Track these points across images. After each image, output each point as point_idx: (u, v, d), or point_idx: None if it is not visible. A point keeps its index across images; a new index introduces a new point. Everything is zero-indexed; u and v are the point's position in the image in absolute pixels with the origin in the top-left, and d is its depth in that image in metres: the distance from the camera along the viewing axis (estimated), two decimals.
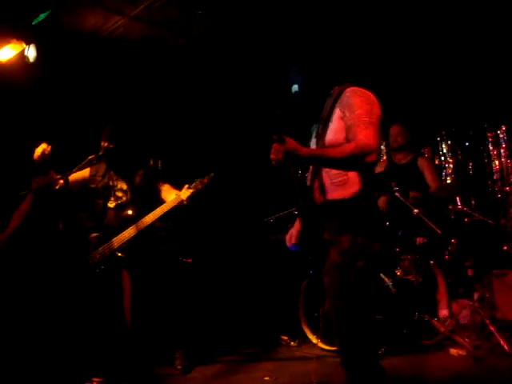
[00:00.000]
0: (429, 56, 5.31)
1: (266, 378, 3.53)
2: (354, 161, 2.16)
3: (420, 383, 3.27)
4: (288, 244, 2.60)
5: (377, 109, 2.29)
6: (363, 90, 2.35)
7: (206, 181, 3.75)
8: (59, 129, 4.58)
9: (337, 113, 2.33)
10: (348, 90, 2.36)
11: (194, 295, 4.85)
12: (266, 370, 3.73)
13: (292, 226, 2.68)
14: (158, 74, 5.24)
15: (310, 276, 2.63)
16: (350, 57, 5.04)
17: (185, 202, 3.67)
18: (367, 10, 4.69)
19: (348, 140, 2.24)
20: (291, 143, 2.13)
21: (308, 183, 2.47)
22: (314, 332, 4.23)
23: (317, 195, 2.38)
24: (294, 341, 4.57)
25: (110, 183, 3.80)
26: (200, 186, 3.73)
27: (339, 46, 4.90)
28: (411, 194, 4.52)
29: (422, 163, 4.79)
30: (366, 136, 2.17)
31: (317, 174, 2.39)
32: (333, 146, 2.26)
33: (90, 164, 3.55)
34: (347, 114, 2.27)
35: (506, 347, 3.76)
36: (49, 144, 3.41)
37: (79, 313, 3.66)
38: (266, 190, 5.79)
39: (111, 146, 3.64)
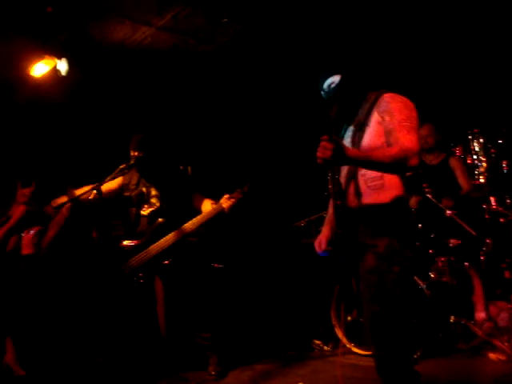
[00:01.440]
0: (460, 53, 5.23)
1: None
2: (397, 164, 2.19)
3: None
4: (317, 250, 2.60)
5: (415, 114, 2.33)
6: (401, 96, 2.39)
7: (246, 189, 3.79)
8: (92, 139, 4.69)
9: (375, 117, 2.36)
10: (386, 95, 2.38)
11: (227, 301, 4.87)
12: (300, 376, 3.71)
13: (321, 232, 2.69)
14: (186, 81, 5.30)
15: (343, 280, 2.62)
16: (380, 57, 5.02)
17: (226, 211, 3.72)
18: (392, 12, 4.65)
19: (388, 144, 2.27)
20: (340, 143, 2.14)
21: (342, 187, 2.47)
22: (347, 336, 4.19)
23: (351, 199, 2.39)
24: (327, 345, 4.54)
25: (144, 190, 3.86)
26: (241, 196, 3.77)
27: (368, 49, 4.90)
28: (444, 201, 4.42)
29: (453, 163, 4.72)
30: (408, 140, 2.21)
31: (352, 178, 2.41)
32: (375, 149, 2.28)
33: (121, 173, 3.62)
34: (387, 119, 2.30)
35: None
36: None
37: (115, 320, 3.72)
38: (295, 195, 5.78)
39: (141, 155, 3.70)
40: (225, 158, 5.57)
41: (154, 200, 3.83)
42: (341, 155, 2.07)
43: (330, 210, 2.70)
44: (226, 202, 3.73)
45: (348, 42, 4.82)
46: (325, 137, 2.08)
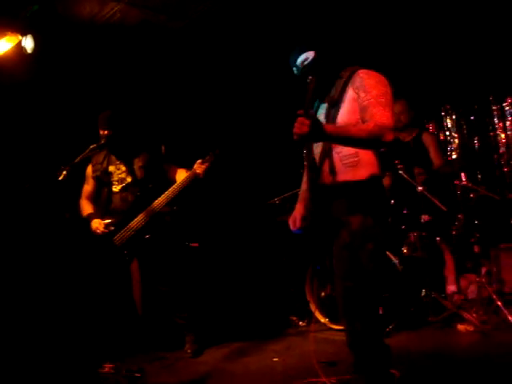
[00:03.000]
0: (432, 28, 5.22)
1: (275, 359, 3.57)
2: (373, 140, 2.19)
3: (428, 360, 3.28)
4: (292, 228, 2.61)
5: (390, 90, 2.33)
6: (375, 72, 2.38)
7: (217, 152, 3.77)
8: (60, 118, 4.59)
9: (349, 94, 2.35)
10: (361, 71, 2.38)
11: (202, 279, 4.89)
12: (275, 352, 3.77)
13: (294, 209, 2.69)
14: (157, 58, 5.20)
15: (316, 256, 2.65)
16: (352, 34, 4.99)
17: (200, 176, 3.69)
18: None
19: (363, 120, 2.27)
20: (317, 119, 2.12)
21: (317, 164, 2.47)
22: (322, 312, 4.25)
23: (326, 176, 2.39)
24: (302, 321, 4.61)
25: (111, 168, 3.81)
26: (213, 158, 3.74)
27: (341, 24, 4.86)
28: (416, 170, 4.50)
29: (426, 139, 4.76)
30: (384, 116, 2.21)
31: (326, 155, 2.40)
32: (351, 125, 2.28)
33: (92, 152, 3.56)
34: (362, 95, 2.30)
35: None
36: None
37: (95, 298, 3.72)
38: (269, 172, 5.77)
39: (110, 133, 3.65)
40: (197, 134, 5.51)
41: (123, 175, 3.79)
42: (318, 131, 2.05)
43: (304, 187, 2.70)
44: (199, 167, 3.71)
45: (321, 17, 4.77)
46: (301, 112, 2.05)
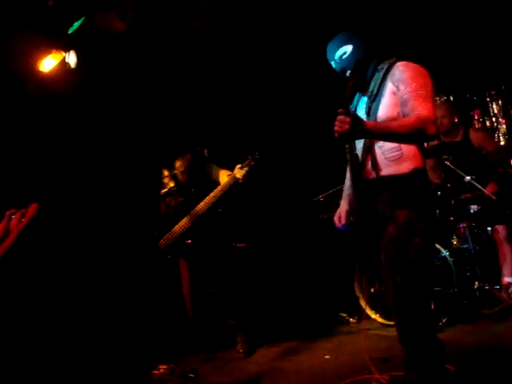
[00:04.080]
0: (473, 12, 5.07)
1: (327, 357, 3.57)
2: (416, 134, 2.16)
3: (483, 354, 3.20)
4: (337, 225, 2.60)
5: (430, 81, 2.29)
6: (414, 64, 2.34)
7: (257, 157, 3.79)
8: (105, 129, 4.72)
9: (389, 87, 2.32)
10: (399, 63, 2.34)
11: (251, 279, 4.93)
12: (327, 349, 3.76)
13: (339, 206, 2.69)
14: (194, 62, 5.27)
15: (364, 252, 2.63)
16: (388, 24, 4.92)
17: (240, 181, 3.72)
18: None
19: (404, 114, 2.24)
20: (357, 116, 2.11)
21: (359, 160, 2.45)
22: (372, 307, 4.21)
23: (369, 171, 2.37)
24: (352, 317, 4.57)
25: None
26: (252, 163, 3.76)
27: (377, 16, 4.79)
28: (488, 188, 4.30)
29: (476, 137, 4.53)
30: (425, 109, 2.18)
31: (368, 150, 2.38)
32: (391, 120, 2.26)
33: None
34: (402, 88, 2.27)
35: None
36: None
37: (147, 301, 3.82)
38: (313, 169, 5.75)
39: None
40: (240, 136, 5.55)
41: (166, 180, 3.86)
42: (358, 129, 2.05)
43: (347, 183, 2.69)
44: (239, 171, 3.74)
45: (356, 9, 4.72)
46: (341, 110, 2.05)
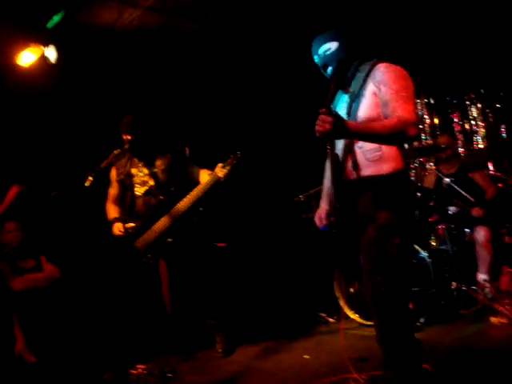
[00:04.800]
0: (454, 16, 5.14)
1: (306, 357, 3.57)
2: (396, 135, 2.17)
3: (460, 353, 3.24)
4: (318, 225, 2.61)
5: (411, 83, 2.30)
6: (395, 65, 2.35)
7: (239, 155, 3.77)
8: (84, 125, 4.67)
9: (370, 88, 2.33)
10: (381, 64, 2.36)
11: (231, 279, 4.91)
12: (306, 349, 3.76)
13: (319, 206, 2.69)
14: (176, 61, 5.24)
15: (344, 252, 2.64)
16: (371, 27, 4.95)
17: (221, 180, 3.70)
18: None
19: (385, 115, 2.25)
20: (339, 116, 2.11)
21: (340, 160, 2.45)
22: (351, 307, 4.24)
23: (350, 172, 2.38)
24: (332, 317, 4.59)
25: (133, 171, 3.84)
26: (234, 162, 3.75)
27: (361, 17, 4.82)
28: (474, 211, 4.34)
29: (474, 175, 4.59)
30: (406, 110, 2.19)
31: (349, 151, 2.39)
32: (372, 121, 2.26)
33: (116, 158, 3.61)
34: (383, 89, 2.28)
35: None
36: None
37: (124, 302, 3.77)
38: (293, 169, 5.77)
39: (133, 138, 3.69)
40: (221, 135, 5.53)
41: (145, 178, 3.82)
42: (340, 128, 2.04)
43: (327, 184, 2.70)
44: (220, 170, 3.71)
45: (340, 10, 4.74)
46: (323, 110, 2.04)
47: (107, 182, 3.96)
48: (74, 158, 4.43)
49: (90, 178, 3.37)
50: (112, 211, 3.90)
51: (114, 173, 3.92)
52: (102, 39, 4.62)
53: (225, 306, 4.19)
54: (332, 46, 2.44)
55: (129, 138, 3.69)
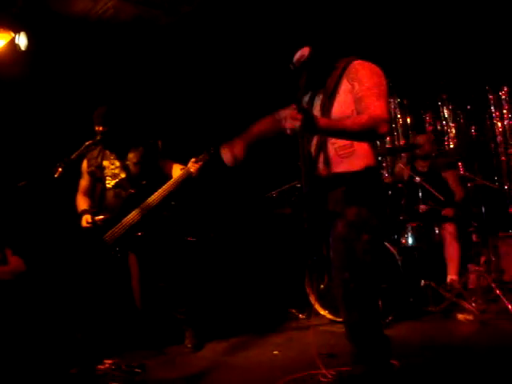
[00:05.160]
0: (428, 18, 5.20)
1: (276, 352, 3.57)
2: (368, 132, 2.16)
3: (427, 349, 3.29)
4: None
5: (385, 81, 2.30)
6: (370, 63, 2.35)
7: (212, 151, 3.75)
8: (55, 115, 4.57)
9: (344, 85, 2.33)
10: (356, 62, 2.35)
11: (201, 274, 4.89)
12: (276, 344, 3.76)
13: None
14: (152, 53, 5.17)
15: (315, 248, 2.65)
16: (346, 25, 4.97)
17: (194, 175, 3.68)
18: None
19: (358, 112, 2.25)
20: (310, 112, 2.08)
21: (312, 156, 2.45)
22: (321, 304, 4.26)
23: (321, 167, 2.38)
24: (302, 313, 4.61)
25: (105, 163, 3.78)
26: (207, 157, 3.73)
27: (334, 17, 4.83)
28: (444, 211, 4.42)
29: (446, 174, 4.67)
30: (378, 107, 2.19)
31: (321, 147, 2.38)
32: (345, 117, 2.25)
33: (87, 149, 3.54)
34: (356, 86, 2.27)
35: None
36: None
37: (93, 295, 3.71)
38: (267, 165, 5.76)
39: (105, 129, 3.63)
40: (194, 130, 5.49)
41: (117, 171, 3.77)
42: (310, 125, 2.02)
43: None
44: (193, 165, 3.69)
45: (314, 10, 4.74)
46: (293, 106, 2.02)
47: (78, 174, 3.90)
48: (45, 148, 4.33)
49: (60, 169, 3.30)
50: (82, 203, 3.84)
51: (85, 164, 3.86)
52: (76, 27, 4.53)
53: (195, 301, 4.16)
54: (305, 51, 2.41)
55: (101, 129, 3.62)
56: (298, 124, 1.99)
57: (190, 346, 3.80)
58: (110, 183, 3.76)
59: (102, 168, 3.78)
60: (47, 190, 3.93)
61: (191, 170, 3.68)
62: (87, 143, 3.48)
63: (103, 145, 3.76)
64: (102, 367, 3.40)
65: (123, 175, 3.75)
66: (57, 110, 4.61)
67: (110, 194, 3.75)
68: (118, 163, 3.78)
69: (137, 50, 5.02)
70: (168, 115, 5.48)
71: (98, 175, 3.79)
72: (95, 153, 3.81)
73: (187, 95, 5.58)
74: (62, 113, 4.63)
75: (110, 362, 3.45)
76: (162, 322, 4.09)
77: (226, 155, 2.64)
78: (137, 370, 3.34)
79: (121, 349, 3.73)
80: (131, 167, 3.76)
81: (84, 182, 3.88)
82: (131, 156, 3.78)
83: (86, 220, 3.68)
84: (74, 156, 3.40)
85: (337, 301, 2.41)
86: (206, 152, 3.76)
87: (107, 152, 3.81)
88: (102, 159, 3.80)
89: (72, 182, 3.85)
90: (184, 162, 3.80)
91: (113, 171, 3.78)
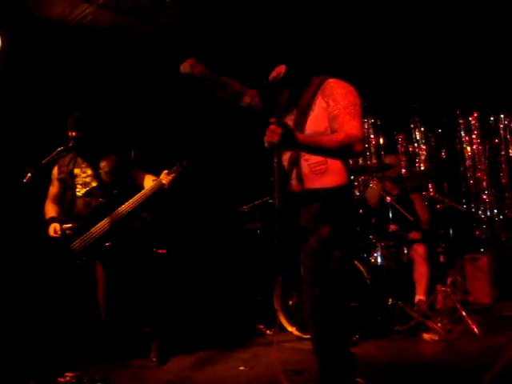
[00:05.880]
0: (402, 42, 5.32)
1: (242, 368, 3.53)
2: (343, 150, 2.18)
3: (393, 368, 3.30)
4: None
5: (359, 100, 2.34)
6: (345, 82, 2.38)
7: (185, 164, 3.74)
8: (27, 119, 4.48)
9: (319, 102, 2.35)
10: (331, 80, 2.38)
11: (169, 287, 4.82)
12: (242, 360, 3.73)
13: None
14: (128, 61, 5.14)
15: (284, 264, 2.64)
16: (320, 45, 5.04)
17: (166, 187, 3.65)
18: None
19: (332, 129, 2.28)
20: (290, 127, 2.08)
21: (285, 171, 2.46)
22: (289, 320, 4.25)
23: (294, 183, 2.39)
24: (269, 329, 4.58)
25: (76, 171, 3.72)
26: (180, 169, 3.71)
27: (308, 35, 4.90)
28: (412, 235, 4.49)
29: (414, 196, 4.74)
30: (353, 126, 2.22)
31: (295, 163, 2.40)
32: (319, 134, 2.28)
33: (59, 155, 3.48)
34: (331, 104, 2.30)
35: (476, 331, 3.85)
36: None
37: (56, 304, 3.63)
38: (239, 180, 5.76)
39: (78, 135, 3.58)
40: (167, 141, 5.46)
41: (88, 179, 3.71)
42: (289, 140, 2.03)
43: None
44: (165, 177, 3.67)
45: (290, 26, 4.80)
46: (273, 120, 2.03)
47: (48, 180, 3.82)
48: (15, 153, 4.24)
49: (29, 175, 3.23)
50: (50, 210, 3.76)
51: (55, 171, 3.79)
52: (53, 31, 4.48)
53: (161, 314, 4.10)
54: (280, 69, 2.44)
55: (74, 134, 3.57)
56: (276, 138, 2.00)
57: (155, 359, 3.73)
58: (80, 191, 3.70)
59: (73, 176, 3.72)
60: (15, 196, 3.85)
61: (163, 181, 3.65)
62: (59, 149, 3.43)
63: (76, 151, 3.71)
64: (62, 380, 3.31)
65: (94, 184, 3.69)
66: (29, 114, 4.53)
67: (79, 203, 3.69)
68: (89, 171, 3.72)
69: (115, 57, 4.99)
70: (142, 125, 5.44)
71: (68, 183, 3.73)
72: (66, 160, 3.75)
73: (162, 106, 5.56)
74: (35, 117, 4.55)
75: (71, 374, 3.36)
76: (126, 334, 4.02)
77: (185, 63, 2.94)
78: (99, 383, 3.26)
79: (84, 361, 3.64)
80: (103, 176, 3.71)
81: (53, 189, 3.81)
82: (103, 165, 3.74)
83: (53, 229, 3.60)
84: (44, 161, 3.35)
85: (304, 317, 2.41)
86: (179, 164, 3.74)
87: (79, 159, 3.75)
88: (74, 166, 3.74)
89: (41, 189, 3.77)
90: (156, 173, 3.77)
91: (84, 179, 3.72)
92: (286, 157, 2.45)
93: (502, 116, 5.84)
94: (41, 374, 3.37)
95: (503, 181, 5.83)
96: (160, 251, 4.89)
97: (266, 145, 2.06)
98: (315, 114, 2.35)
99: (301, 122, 2.38)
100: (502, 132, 5.85)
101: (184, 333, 4.46)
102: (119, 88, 5.16)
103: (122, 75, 5.16)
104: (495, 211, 5.80)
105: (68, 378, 3.33)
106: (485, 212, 5.84)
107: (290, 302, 4.25)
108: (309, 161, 2.36)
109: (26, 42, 4.40)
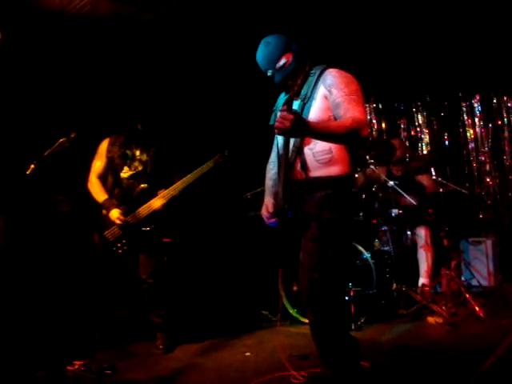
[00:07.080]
0: (403, 26, 5.27)
1: (247, 354, 3.57)
2: (352, 135, 2.24)
3: (398, 352, 3.33)
4: (265, 216, 2.62)
5: (360, 88, 2.39)
6: (345, 71, 2.43)
7: (226, 153, 3.85)
8: (26, 111, 4.49)
9: (321, 91, 2.39)
10: (332, 69, 2.43)
11: (174, 275, 4.84)
12: (247, 346, 3.76)
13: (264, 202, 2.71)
14: (127, 51, 5.12)
15: (288, 250, 2.66)
16: (321, 33, 5.01)
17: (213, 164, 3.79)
18: None
19: (337, 116, 2.32)
20: (300, 114, 2.14)
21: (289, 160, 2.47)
22: (293, 305, 4.27)
23: (298, 172, 2.42)
24: (274, 315, 4.61)
25: (128, 152, 3.80)
26: (221, 159, 3.85)
27: (310, 25, 4.87)
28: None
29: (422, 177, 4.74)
30: (359, 112, 2.28)
31: (299, 152, 2.42)
32: (328, 120, 2.34)
33: (61, 146, 3.49)
34: (334, 92, 2.34)
35: (480, 313, 3.86)
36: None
37: (63, 294, 3.66)
38: (242, 167, 5.75)
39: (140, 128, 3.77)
40: (171, 128, 5.44)
41: (136, 163, 3.79)
42: (300, 126, 2.10)
43: (270, 183, 2.74)
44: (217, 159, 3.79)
45: (292, 17, 4.77)
46: (284, 107, 2.09)
47: (49, 171, 3.82)
48: (18, 145, 4.25)
49: (32, 166, 3.25)
50: (101, 190, 3.79)
51: (105, 146, 3.85)
52: (51, 22, 4.45)
53: (167, 302, 4.12)
54: (288, 58, 2.48)
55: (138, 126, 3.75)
56: (287, 124, 2.05)
57: (161, 347, 3.77)
58: (126, 173, 3.78)
59: (123, 156, 3.79)
60: (19, 187, 3.86)
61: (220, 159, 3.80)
62: (61, 140, 3.43)
63: (131, 135, 3.80)
64: (71, 368, 3.34)
65: (140, 168, 3.77)
66: (29, 106, 4.52)
67: (123, 184, 3.77)
68: (140, 156, 3.79)
69: (115, 46, 4.96)
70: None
71: (115, 161, 3.80)
72: (120, 140, 3.82)
73: (171, 94, 5.53)
74: (35, 108, 4.55)
75: (79, 363, 3.40)
76: (133, 322, 4.06)
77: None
78: (107, 371, 3.30)
79: (92, 349, 3.67)
80: (149, 162, 3.79)
81: (101, 164, 3.85)
82: (152, 153, 3.83)
83: (119, 214, 3.65)
84: (46, 153, 3.35)
85: (301, 300, 2.43)
86: (220, 154, 3.82)
87: (133, 143, 3.82)
88: (126, 148, 3.81)
89: (44, 180, 3.78)
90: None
91: (133, 163, 3.79)
92: (290, 146, 2.46)
93: (504, 98, 5.81)
94: (49, 364, 3.41)
95: (506, 164, 5.81)
96: (165, 240, 4.90)
97: (276, 132, 2.15)
98: (318, 102, 2.40)
99: (304, 112, 2.41)
100: (505, 115, 5.82)
101: (189, 320, 4.49)
102: (119, 78, 5.14)
103: (122, 65, 5.14)
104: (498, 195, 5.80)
105: (77, 367, 3.36)
106: (488, 195, 5.84)
107: (295, 288, 4.27)
108: (313, 150, 2.39)
109: (25, 33, 4.39)
